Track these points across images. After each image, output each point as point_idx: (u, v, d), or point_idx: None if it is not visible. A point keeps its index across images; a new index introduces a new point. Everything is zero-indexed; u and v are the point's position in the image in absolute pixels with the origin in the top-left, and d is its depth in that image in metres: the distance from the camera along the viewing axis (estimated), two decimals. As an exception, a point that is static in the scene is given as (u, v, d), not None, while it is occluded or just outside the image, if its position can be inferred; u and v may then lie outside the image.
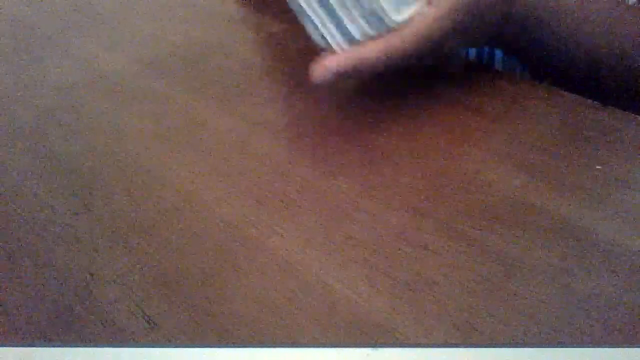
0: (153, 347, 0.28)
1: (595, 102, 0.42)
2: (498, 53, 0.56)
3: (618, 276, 0.30)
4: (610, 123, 0.41)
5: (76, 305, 0.30)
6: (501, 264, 0.31)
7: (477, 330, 0.27)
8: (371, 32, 0.40)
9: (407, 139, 0.40)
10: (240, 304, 0.29)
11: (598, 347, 0.27)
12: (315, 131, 0.42)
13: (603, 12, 0.47)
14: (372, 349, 0.27)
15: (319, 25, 0.40)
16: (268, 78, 0.50)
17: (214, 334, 0.28)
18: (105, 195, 0.37)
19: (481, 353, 0.27)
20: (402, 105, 0.44)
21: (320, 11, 0.40)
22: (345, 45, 0.40)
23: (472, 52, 0.57)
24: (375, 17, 0.39)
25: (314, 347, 0.27)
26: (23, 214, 0.36)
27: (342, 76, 0.40)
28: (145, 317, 0.29)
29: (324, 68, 0.39)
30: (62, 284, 0.31)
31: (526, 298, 0.29)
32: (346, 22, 0.40)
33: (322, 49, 0.41)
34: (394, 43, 0.40)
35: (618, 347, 0.27)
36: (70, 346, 0.28)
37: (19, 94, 0.49)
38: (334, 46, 0.40)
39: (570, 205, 0.34)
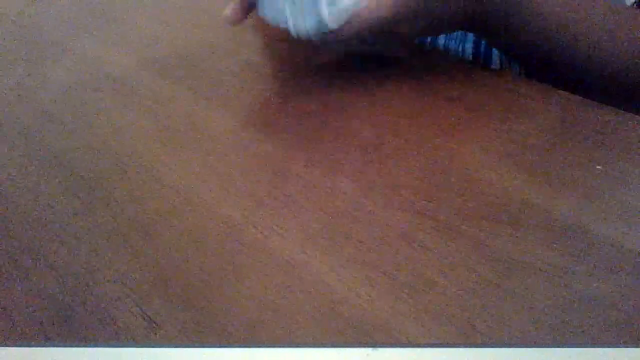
0: (153, 347, 0.28)
1: (594, 102, 0.43)
2: (495, 52, 0.56)
3: (618, 276, 0.30)
4: (610, 123, 0.41)
5: (76, 305, 0.30)
6: (501, 264, 0.31)
7: (477, 330, 0.27)
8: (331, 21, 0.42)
9: (406, 139, 0.40)
10: (240, 304, 0.29)
11: (598, 347, 0.27)
12: (315, 131, 0.42)
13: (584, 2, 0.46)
14: (372, 349, 0.27)
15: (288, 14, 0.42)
16: (268, 79, 0.50)
17: (214, 334, 0.28)
18: (105, 195, 0.37)
19: (481, 353, 0.27)
20: (403, 105, 0.44)
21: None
22: (311, 30, 0.42)
23: (469, 51, 0.57)
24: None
25: (314, 347, 0.27)
26: (23, 214, 0.36)
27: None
28: (145, 317, 0.29)
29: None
30: (62, 284, 0.31)
31: (526, 298, 0.29)
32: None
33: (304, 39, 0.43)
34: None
35: (618, 347, 0.27)
36: (70, 346, 0.28)
37: (20, 94, 0.49)
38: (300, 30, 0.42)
39: (570, 205, 0.34)
